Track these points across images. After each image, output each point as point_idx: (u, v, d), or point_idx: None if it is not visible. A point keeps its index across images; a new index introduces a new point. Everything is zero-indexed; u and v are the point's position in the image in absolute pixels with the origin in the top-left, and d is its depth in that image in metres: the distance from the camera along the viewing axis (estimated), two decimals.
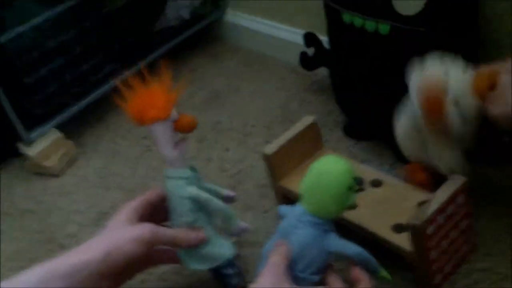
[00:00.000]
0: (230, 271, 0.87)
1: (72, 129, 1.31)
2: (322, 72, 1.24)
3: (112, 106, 1.37)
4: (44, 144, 1.22)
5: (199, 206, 0.83)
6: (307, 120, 0.99)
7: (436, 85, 0.80)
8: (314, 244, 0.76)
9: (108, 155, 1.26)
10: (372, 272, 0.77)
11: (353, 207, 0.88)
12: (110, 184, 1.18)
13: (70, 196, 1.17)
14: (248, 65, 1.42)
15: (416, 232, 0.77)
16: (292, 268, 0.76)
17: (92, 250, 0.77)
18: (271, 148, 0.95)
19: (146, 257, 0.84)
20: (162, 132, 0.81)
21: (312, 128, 0.99)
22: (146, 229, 0.80)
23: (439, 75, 0.81)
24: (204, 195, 0.83)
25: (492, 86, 0.79)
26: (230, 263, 0.87)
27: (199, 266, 0.86)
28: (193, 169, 0.85)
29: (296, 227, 0.78)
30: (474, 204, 0.84)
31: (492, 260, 0.86)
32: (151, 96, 0.80)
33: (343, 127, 1.15)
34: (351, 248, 0.77)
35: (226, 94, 1.35)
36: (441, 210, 0.79)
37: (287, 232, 0.78)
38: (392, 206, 0.89)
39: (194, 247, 0.84)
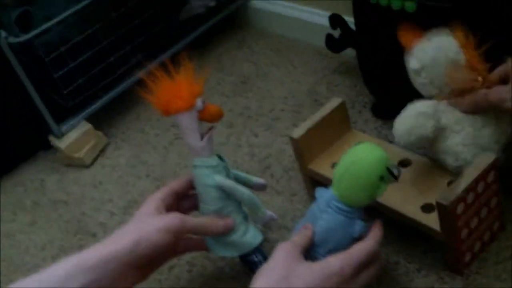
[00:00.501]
0: (257, 258, 0.87)
1: (102, 120, 1.32)
2: (349, 53, 1.23)
3: (140, 96, 1.38)
4: (74, 136, 1.24)
5: (226, 194, 0.83)
6: (334, 102, 0.98)
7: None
8: (339, 230, 0.76)
9: (137, 144, 1.27)
10: None
11: None
12: (140, 173, 1.18)
13: (101, 186, 1.18)
14: (275, 50, 1.41)
15: (446, 211, 0.76)
16: (314, 251, 0.76)
17: (120, 241, 0.77)
18: (298, 132, 0.94)
19: (174, 246, 0.85)
20: (187, 122, 0.81)
21: (340, 110, 0.98)
22: (174, 219, 0.80)
23: None
24: (228, 183, 0.83)
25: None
26: (257, 250, 0.87)
27: (227, 253, 0.87)
28: (220, 158, 0.85)
29: (324, 212, 0.78)
30: (502, 182, 0.82)
31: None
32: (176, 87, 0.81)
33: (371, 107, 1.14)
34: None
35: (253, 80, 1.34)
36: (470, 188, 0.77)
37: (315, 216, 0.78)
38: (421, 186, 0.87)
39: (222, 235, 0.85)
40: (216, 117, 0.83)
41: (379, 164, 0.74)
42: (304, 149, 0.95)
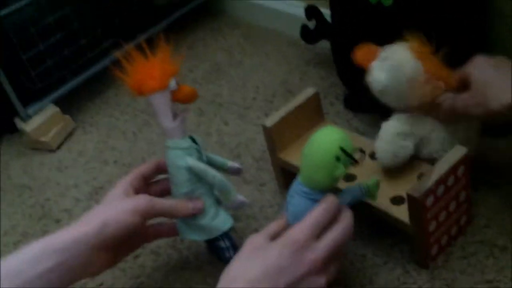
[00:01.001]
0: (224, 244, 0.86)
1: (70, 104, 1.30)
2: (324, 45, 1.22)
3: (111, 80, 1.36)
4: (41, 120, 1.21)
5: (197, 177, 0.82)
6: (308, 92, 0.97)
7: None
8: (304, 213, 0.75)
9: (106, 129, 1.25)
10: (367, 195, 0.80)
11: (351, 178, 0.87)
12: (108, 159, 1.16)
13: (67, 171, 1.16)
14: (249, 39, 1.40)
15: (415, 204, 0.76)
16: None
17: (87, 224, 0.76)
18: (271, 120, 0.93)
19: (143, 230, 0.84)
20: (161, 103, 0.80)
21: (313, 100, 0.97)
22: (141, 200, 0.79)
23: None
24: (201, 165, 0.81)
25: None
26: (226, 235, 0.86)
27: (196, 237, 0.86)
28: (193, 140, 0.83)
29: (291, 197, 0.78)
30: (472, 176, 0.82)
31: (490, 232, 0.84)
32: (150, 67, 0.79)
33: (343, 99, 1.13)
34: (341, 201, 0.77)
35: (226, 68, 1.33)
36: (441, 181, 0.77)
37: (287, 203, 0.78)
38: (391, 178, 0.87)
39: (192, 217, 0.83)
40: (190, 98, 0.82)
41: (333, 144, 0.73)
42: (276, 138, 0.94)
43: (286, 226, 0.75)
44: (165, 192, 0.87)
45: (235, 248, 0.86)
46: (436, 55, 0.82)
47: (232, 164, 0.89)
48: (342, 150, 0.73)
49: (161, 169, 0.87)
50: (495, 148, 0.93)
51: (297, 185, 0.77)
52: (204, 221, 0.84)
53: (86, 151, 1.20)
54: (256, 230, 0.93)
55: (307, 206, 0.75)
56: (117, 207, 0.78)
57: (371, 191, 0.79)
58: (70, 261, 0.73)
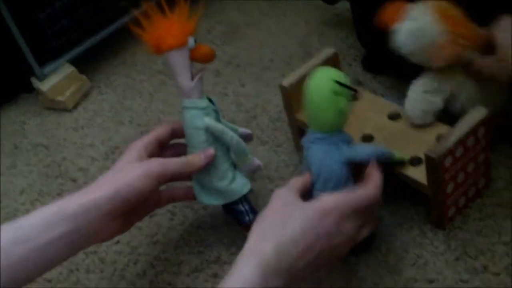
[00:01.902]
0: (243, 207, 0.85)
1: (86, 64, 1.29)
2: (343, 5, 1.20)
3: (127, 41, 1.35)
4: (57, 79, 1.21)
5: (214, 138, 0.81)
6: (327, 52, 0.95)
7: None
8: (326, 158, 0.75)
9: (122, 89, 1.24)
10: (388, 161, 0.79)
11: (368, 138, 0.86)
12: (124, 119, 1.16)
13: (83, 131, 1.16)
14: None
15: (434, 164, 0.75)
16: (314, 191, 0.76)
17: (100, 189, 0.75)
18: (288, 80, 0.92)
19: (156, 195, 0.83)
20: (179, 61, 0.79)
21: (332, 61, 0.95)
22: (154, 164, 0.78)
23: None
24: (218, 126, 0.81)
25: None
26: (244, 199, 0.85)
27: (213, 201, 0.85)
28: (210, 100, 0.83)
29: (308, 149, 0.77)
30: (493, 138, 0.81)
31: (508, 195, 0.83)
32: (168, 24, 0.79)
33: (361, 61, 1.12)
34: (361, 151, 0.77)
35: (244, 29, 1.31)
36: (460, 142, 0.76)
37: (305, 157, 0.78)
38: (410, 139, 0.86)
39: (209, 181, 0.83)
40: (208, 57, 0.81)
41: (327, 80, 0.73)
42: (293, 98, 0.93)
43: (310, 182, 0.76)
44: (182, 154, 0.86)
45: (254, 211, 0.85)
46: (462, 13, 0.80)
47: (243, 130, 0.89)
48: (337, 82, 0.73)
49: (176, 133, 0.86)
50: None
51: (310, 135, 0.77)
52: (222, 184, 0.83)
53: (102, 111, 1.20)
54: (271, 191, 0.92)
55: (326, 152, 0.75)
56: (130, 172, 0.77)
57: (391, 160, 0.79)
58: (82, 227, 0.73)
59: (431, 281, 0.76)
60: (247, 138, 0.89)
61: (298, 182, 0.75)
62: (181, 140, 0.86)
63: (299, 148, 0.97)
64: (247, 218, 0.85)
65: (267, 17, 1.33)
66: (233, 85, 1.16)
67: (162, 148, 0.85)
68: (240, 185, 0.84)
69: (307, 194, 0.75)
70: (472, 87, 0.84)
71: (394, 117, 0.90)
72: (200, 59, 0.81)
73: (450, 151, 0.75)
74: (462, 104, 0.84)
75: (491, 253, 0.77)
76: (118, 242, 0.92)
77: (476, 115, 0.78)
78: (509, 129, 0.88)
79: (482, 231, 0.80)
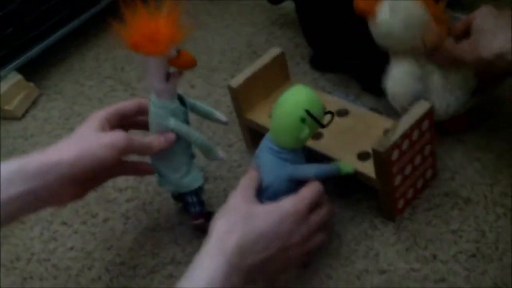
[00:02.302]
0: (192, 199, 0.86)
1: (34, 71, 1.28)
2: (288, 5, 1.21)
3: (75, 47, 1.35)
4: (4, 88, 1.19)
5: (177, 136, 0.82)
6: (273, 51, 0.97)
7: None
8: (271, 170, 0.77)
9: (71, 96, 1.23)
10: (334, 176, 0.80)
11: (317, 136, 0.88)
12: (74, 126, 1.15)
13: (33, 139, 1.15)
14: (214, 1, 1.39)
15: (381, 158, 0.76)
16: (261, 195, 0.77)
17: (61, 153, 0.74)
18: (237, 81, 0.93)
19: (119, 165, 0.83)
20: (155, 66, 0.77)
21: (278, 60, 0.97)
22: (119, 136, 0.77)
23: None
24: (183, 128, 0.81)
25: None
26: (193, 192, 0.86)
27: (168, 188, 0.88)
28: (182, 100, 0.82)
29: (261, 152, 0.79)
30: (437, 131, 0.83)
31: (454, 184, 0.86)
32: (154, 27, 0.73)
33: (309, 59, 1.13)
34: (302, 171, 0.77)
35: (191, 31, 1.31)
36: (406, 136, 0.78)
37: (256, 157, 0.79)
38: (358, 135, 0.87)
39: (164, 171, 0.84)
40: (188, 66, 0.78)
41: (298, 106, 0.73)
42: (242, 99, 0.94)
43: (259, 182, 0.77)
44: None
45: (201, 204, 0.87)
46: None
47: (219, 116, 0.88)
48: (307, 112, 0.73)
49: (142, 110, 0.85)
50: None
51: (266, 141, 0.78)
52: (175, 176, 0.84)
53: (52, 119, 1.19)
54: (224, 191, 0.94)
55: (274, 163, 0.76)
56: (93, 140, 0.76)
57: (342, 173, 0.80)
58: (41, 188, 0.72)
59: (382, 272, 0.78)
60: (222, 123, 0.90)
61: (251, 180, 0.77)
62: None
63: (250, 147, 0.98)
64: (193, 209, 0.87)
65: (214, 18, 1.33)
66: (183, 87, 1.16)
67: (127, 124, 0.85)
68: (191, 180, 0.85)
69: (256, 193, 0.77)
70: (440, 77, 0.85)
71: (342, 113, 0.92)
72: (179, 67, 0.78)
73: (396, 145, 0.77)
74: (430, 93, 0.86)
75: (440, 242, 0.80)
76: (72, 248, 0.92)
77: (419, 108, 0.80)
78: (464, 129, 0.91)
79: (430, 221, 0.82)
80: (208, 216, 0.82)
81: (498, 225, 0.80)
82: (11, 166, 0.72)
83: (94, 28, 1.38)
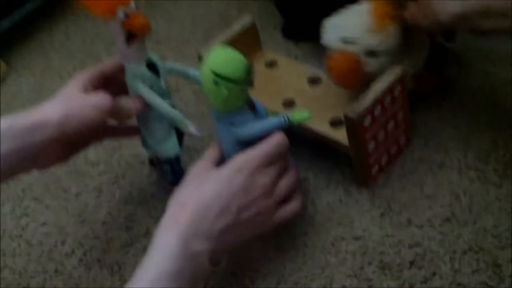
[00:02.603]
0: (166, 167, 0.87)
1: (1, 47, 1.25)
2: None
3: (43, 21, 1.32)
4: None
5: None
6: (244, 21, 0.95)
7: (345, 60, 0.81)
8: (223, 138, 0.77)
9: (41, 71, 1.21)
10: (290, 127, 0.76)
11: (289, 104, 0.87)
12: (44, 101, 1.13)
13: (2, 115, 1.12)
14: None
15: (353, 124, 0.76)
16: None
17: (50, 112, 0.74)
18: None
19: (105, 127, 0.82)
20: (114, 30, 0.77)
21: (250, 29, 0.95)
22: (105, 97, 0.77)
23: (339, 45, 0.82)
24: (149, 95, 0.80)
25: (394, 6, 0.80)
26: (169, 161, 0.86)
27: (148, 152, 0.90)
28: (154, 65, 0.81)
29: (213, 123, 0.78)
30: (409, 98, 0.83)
31: (428, 149, 0.86)
32: None
33: (281, 29, 1.12)
34: (247, 131, 0.75)
35: (162, 3, 1.30)
36: (377, 101, 0.77)
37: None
38: (330, 102, 0.87)
39: (144, 135, 0.85)
40: (140, 30, 0.77)
41: (207, 69, 0.71)
42: None
43: (221, 151, 0.77)
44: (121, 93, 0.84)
45: (175, 173, 0.87)
46: None
47: (193, 73, 0.86)
48: (214, 73, 0.71)
49: (122, 70, 0.83)
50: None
51: (212, 111, 0.77)
52: (151, 142, 0.85)
53: (21, 94, 1.17)
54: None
55: (223, 130, 0.76)
56: (79, 101, 0.76)
57: (294, 123, 0.76)
58: (27, 148, 0.72)
59: (357, 238, 0.78)
60: (196, 79, 0.87)
61: (211, 152, 0.77)
62: None
63: None
64: (167, 177, 0.88)
65: None
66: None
67: (106, 83, 0.83)
68: (167, 147, 0.85)
69: (221, 163, 0.76)
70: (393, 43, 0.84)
71: (314, 81, 0.91)
72: (130, 30, 0.77)
73: (369, 111, 0.76)
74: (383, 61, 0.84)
75: (414, 207, 0.80)
76: (44, 224, 0.91)
77: (391, 74, 0.79)
78: (435, 86, 0.91)
79: (405, 187, 0.82)
80: None
81: (471, 189, 0.80)
82: (4, 124, 0.72)
83: (61, 2, 1.35)
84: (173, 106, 0.83)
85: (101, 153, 0.99)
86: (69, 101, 0.76)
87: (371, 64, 0.81)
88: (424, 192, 0.81)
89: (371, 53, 0.81)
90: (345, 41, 0.81)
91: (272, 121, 0.75)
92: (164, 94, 0.82)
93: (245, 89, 0.73)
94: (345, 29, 0.82)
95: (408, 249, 0.75)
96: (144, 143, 0.87)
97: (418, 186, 0.82)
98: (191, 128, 0.82)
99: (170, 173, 0.87)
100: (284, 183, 0.75)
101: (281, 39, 1.11)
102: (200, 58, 0.91)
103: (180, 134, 0.86)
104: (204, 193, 0.70)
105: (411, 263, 0.74)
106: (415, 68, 0.86)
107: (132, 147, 0.99)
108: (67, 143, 0.77)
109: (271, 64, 0.96)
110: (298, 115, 0.75)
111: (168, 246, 0.66)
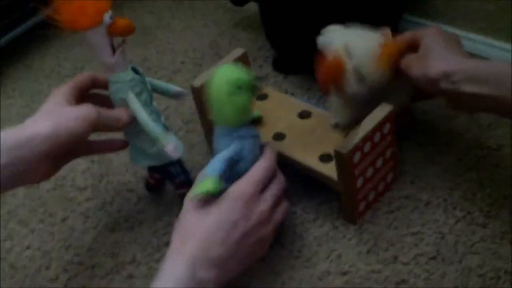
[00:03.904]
0: (175, 169, 0.87)
1: None
2: (252, 7, 1.22)
3: (34, 44, 1.32)
4: None
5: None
6: (236, 52, 0.96)
7: (334, 60, 0.82)
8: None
9: (29, 94, 1.21)
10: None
11: (280, 137, 0.88)
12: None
13: None
14: (176, 1, 1.38)
15: (343, 159, 0.77)
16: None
17: (38, 126, 0.74)
18: (199, 80, 0.92)
19: (87, 142, 0.82)
20: (97, 39, 0.77)
21: (241, 61, 0.96)
22: (90, 109, 0.77)
23: (339, 49, 0.83)
24: (134, 105, 0.80)
25: (400, 54, 0.81)
26: (177, 161, 0.87)
27: (147, 163, 0.87)
28: (135, 70, 0.82)
29: (217, 143, 0.79)
30: (399, 136, 0.84)
31: (415, 187, 0.87)
32: (81, 3, 0.76)
33: (272, 62, 1.13)
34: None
35: (155, 31, 1.31)
36: (367, 138, 0.78)
37: (214, 153, 0.79)
38: (320, 137, 0.88)
39: (142, 146, 0.84)
40: (127, 31, 0.79)
41: (225, 81, 0.74)
42: (205, 99, 0.93)
43: None
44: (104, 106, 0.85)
45: (185, 172, 0.88)
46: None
47: (174, 89, 0.89)
48: (236, 84, 0.74)
49: (97, 82, 0.84)
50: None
51: (217, 130, 0.79)
52: (153, 150, 0.84)
53: (10, 117, 1.16)
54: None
55: (225, 145, 0.77)
56: (65, 114, 0.76)
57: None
58: (16, 163, 0.72)
59: (344, 273, 0.78)
60: (178, 95, 0.90)
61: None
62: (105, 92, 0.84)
63: (212, 149, 0.98)
64: (178, 179, 0.88)
65: (177, 19, 1.33)
66: None
67: (83, 97, 0.83)
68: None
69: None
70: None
71: (304, 115, 0.92)
72: (118, 33, 0.78)
73: (358, 147, 0.77)
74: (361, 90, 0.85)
75: (400, 244, 0.80)
76: (28, 247, 0.90)
77: (381, 111, 0.80)
78: (410, 126, 0.92)
79: (391, 223, 0.83)
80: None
81: (457, 228, 0.81)
82: None
83: (53, 26, 1.35)
84: (158, 111, 0.83)
85: (89, 179, 0.99)
86: (56, 115, 0.76)
87: (350, 84, 0.82)
88: (410, 229, 0.82)
89: (359, 75, 0.82)
90: (347, 50, 0.82)
91: (216, 163, 0.75)
92: (151, 96, 0.83)
93: (255, 94, 0.77)
94: (353, 41, 0.83)
95: (394, 285, 0.76)
96: (138, 158, 0.86)
97: (404, 223, 0.82)
98: (169, 147, 0.82)
99: (182, 173, 0.87)
100: (280, 210, 0.77)
101: (271, 72, 1.12)
102: (192, 89, 0.92)
103: None
104: (208, 222, 0.71)
105: None
106: (399, 106, 0.87)
107: (120, 174, 0.99)
108: (55, 157, 0.77)
109: (262, 97, 0.97)
110: (203, 186, 0.74)
111: (177, 274, 0.67)
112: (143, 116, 0.80)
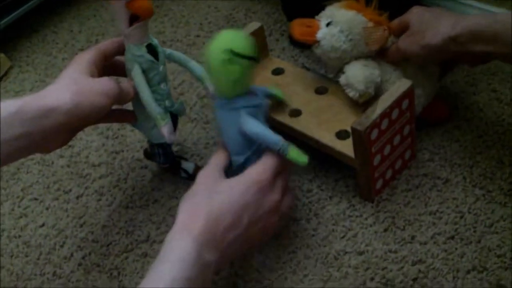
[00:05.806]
0: (157, 150, 0.88)
1: (5, 43, 1.24)
2: None
3: (48, 17, 1.31)
4: None
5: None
6: (253, 26, 0.95)
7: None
8: (229, 126, 0.75)
9: (43, 68, 1.20)
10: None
11: (296, 113, 0.87)
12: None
13: None
14: None
15: (360, 137, 0.75)
16: (230, 167, 0.76)
17: (60, 98, 0.72)
18: None
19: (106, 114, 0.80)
20: (117, 10, 0.76)
21: (258, 34, 0.95)
22: (112, 83, 0.76)
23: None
24: (137, 80, 0.79)
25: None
26: (161, 145, 0.87)
27: (143, 132, 0.88)
28: (154, 49, 0.80)
29: (216, 113, 0.77)
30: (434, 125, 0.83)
31: (433, 165, 0.85)
32: None
33: (288, 35, 1.11)
34: (249, 124, 0.74)
35: (168, 4, 1.29)
36: (385, 114, 0.77)
37: (216, 122, 0.79)
38: (337, 113, 0.86)
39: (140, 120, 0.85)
40: (144, 12, 0.77)
41: (219, 48, 0.71)
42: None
43: (228, 156, 0.77)
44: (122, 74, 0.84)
45: (166, 156, 0.89)
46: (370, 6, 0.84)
47: (193, 65, 0.87)
48: (231, 52, 0.71)
49: (121, 48, 0.82)
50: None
51: (217, 100, 0.77)
52: (146, 126, 0.85)
53: (23, 91, 1.16)
54: (201, 168, 0.92)
55: (228, 117, 0.75)
56: (88, 88, 0.74)
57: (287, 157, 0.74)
58: (37, 132, 0.71)
59: (360, 253, 0.77)
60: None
61: (218, 159, 0.76)
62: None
63: None
64: (157, 159, 0.90)
65: None
66: None
67: (106, 63, 0.82)
68: (158, 134, 0.83)
69: (227, 166, 0.76)
70: (398, 76, 0.85)
71: (321, 91, 0.91)
72: (137, 12, 0.76)
73: (376, 124, 0.76)
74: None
75: (418, 223, 0.79)
76: (43, 225, 0.90)
77: (399, 87, 0.79)
78: (446, 116, 0.91)
79: (409, 202, 0.82)
80: (175, 163, 0.91)
81: (476, 207, 0.79)
82: (9, 107, 0.70)
83: None
84: (169, 92, 0.83)
85: (103, 155, 0.98)
86: (78, 87, 0.74)
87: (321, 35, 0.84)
88: (428, 208, 0.80)
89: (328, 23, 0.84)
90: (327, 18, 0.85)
91: (272, 138, 0.73)
92: (162, 78, 0.81)
93: (254, 67, 0.73)
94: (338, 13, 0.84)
95: (411, 265, 0.75)
96: (137, 125, 0.87)
97: (422, 202, 0.81)
98: (164, 129, 0.81)
99: (162, 155, 0.88)
100: (285, 202, 0.75)
101: (287, 46, 1.10)
102: None
103: (174, 117, 0.85)
104: (218, 202, 0.69)
105: (414, 280, 0.74)
106: (426, 98, 0.85)
107: (134, 150, 0.98)
108: (73, 129, 0.76)
109: (278, 72, 0.95)
110: (296, 154, 0.74)
111: (183, 253, 0.65)
112: (144, 91, 0.79)
